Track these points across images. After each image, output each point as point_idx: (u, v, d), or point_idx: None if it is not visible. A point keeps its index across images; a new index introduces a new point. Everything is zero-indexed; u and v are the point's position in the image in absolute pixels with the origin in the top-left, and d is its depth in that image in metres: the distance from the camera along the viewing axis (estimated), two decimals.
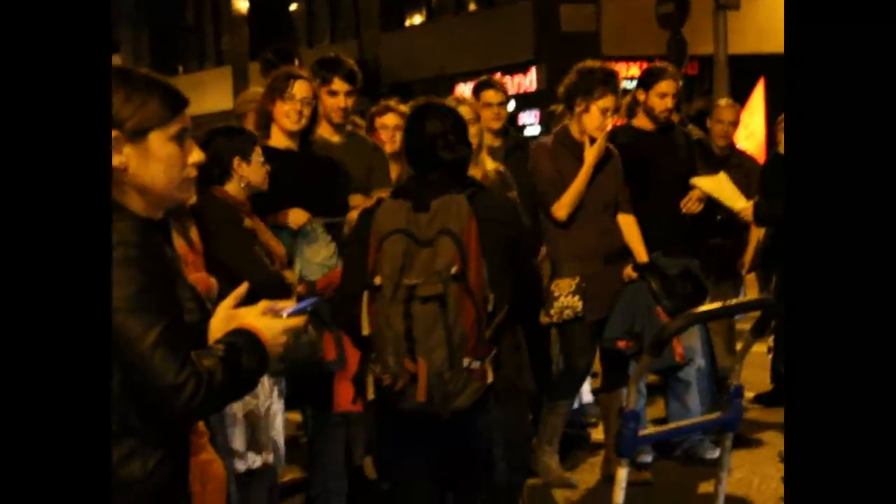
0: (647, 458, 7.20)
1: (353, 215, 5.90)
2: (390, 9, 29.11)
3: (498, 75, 21.82)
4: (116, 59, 32.39)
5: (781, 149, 7.06)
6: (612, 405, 6.76)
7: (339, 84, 6.21)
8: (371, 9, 29.26)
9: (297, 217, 5.62)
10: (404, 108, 7.00)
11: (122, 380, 2.46)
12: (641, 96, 7.08)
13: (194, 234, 4.97)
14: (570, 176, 6.46)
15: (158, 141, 2.62)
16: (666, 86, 6.98)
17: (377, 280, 4.00)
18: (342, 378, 5.73)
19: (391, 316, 3.97)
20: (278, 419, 5.03)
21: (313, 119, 5.87)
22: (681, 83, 7.21)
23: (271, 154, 5.86)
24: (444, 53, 25.55)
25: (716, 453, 6.78)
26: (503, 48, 24.00)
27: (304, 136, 5.88)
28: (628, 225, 6.65)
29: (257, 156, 5.26)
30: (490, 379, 4.09)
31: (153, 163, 2.61)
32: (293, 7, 32.94)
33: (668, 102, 7.02)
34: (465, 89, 25.68)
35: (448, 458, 4.18)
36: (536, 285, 4.67)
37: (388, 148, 6.62)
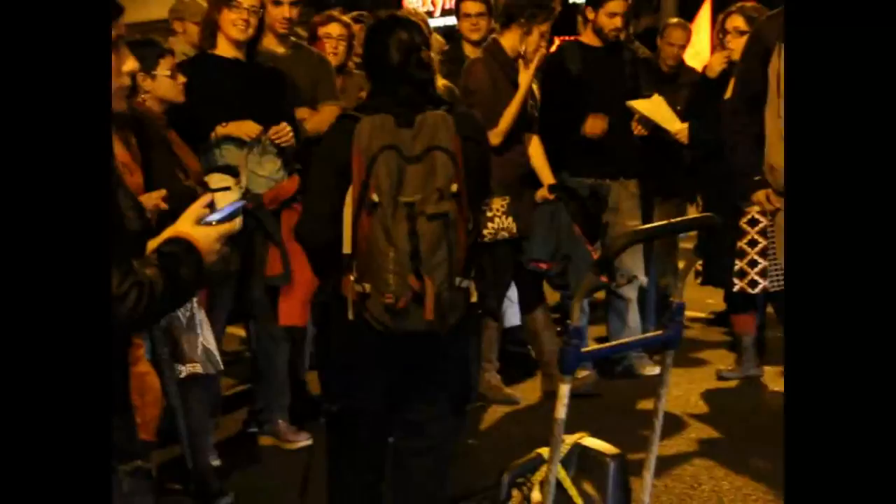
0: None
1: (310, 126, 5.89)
2: None
3: None
4: None
5: (711, 73, 7.07)
6: (537, 324, 6.85)
7: None
8: None
9: (249, 128, 5.56)
10: (347, 17, 6.94)
11: None
12: (591, 14, 7.05)
13: (134, 143, 4.89)
14: (504, 93, 6.46)
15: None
16: (615, 5, 6.93)
17: (374, 197, 3.86)
18: (287, 292, 5.72)
19: (395, 234, 3.84)
20: (205, 328, 4.97)
21: (260, 29, 5.78)
22: (630, 2, 7.17)
23: (218, 63, 5.79)
24: None
25: (655, 370, 6.88)
26: None
27: (251, 46, 5.79)
28: (536, 146, 6.69)
29: (164, 69, 5.13)
30: (474, 298, 4.06)
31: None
32: None
33: (618, 22, 6.99)
34: (414, 1, 25.48)
35: (423, 377, 4.13)
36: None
37: (332, 60, 6.55)
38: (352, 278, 3.94)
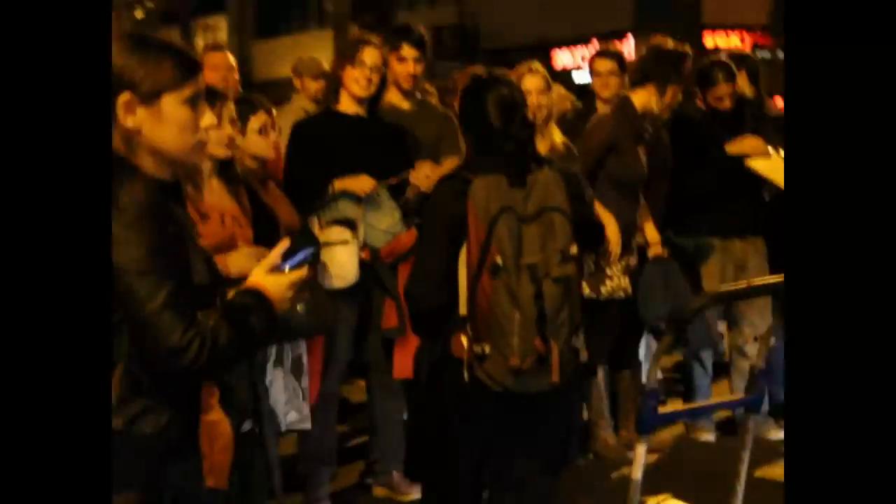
0: (710, 437, 7.16)
1: (422, 183, 5.93)
2: None
3: (595, 42, 21.83)
4: (221, 20, 32.60)
5: None
6: (625, 382, 6.86)
7: (407, 50, 6.20)
8: None
9: (362, 184, 5.63)
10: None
11: (132, 340, 2.53)
12: (697, 95, 7.07)
13: (245, 198, 5.00)
14: (628, 149, 6.44)
15: (171, 104, 2.66)
16: (722, 90, 6.94)
17: (498, 259, 3.85)
18: (402, 344, 5.76)
19: (521, 297, 3.85)
20: (275, 387, 5.02)
21: (382, 86, 5.88)
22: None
23: (340, 119, 5.91)
24: (543, 20, 25.38)
25: (780, 434, 6.71)
26: (602, 15, 23.78)
27: (373, 102, 5.89)
28: (644, 204, 6.64)
29: (253, 125, 5.14)
30: (584, 356, 4.14)
31: (166, 125, 2.66)
32: None
33: (726, 103, 6.96)
34: (562, 56, 25.67)
35: (529, 434, 4.11)
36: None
37: None
38: (466, 339, 3.95)
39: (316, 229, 5.57)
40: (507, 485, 4.14)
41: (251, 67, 33.51)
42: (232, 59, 6.82)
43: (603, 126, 6.55)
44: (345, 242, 5.58)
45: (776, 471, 6.20)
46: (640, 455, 3.36)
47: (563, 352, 3.89)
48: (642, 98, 6.47)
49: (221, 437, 2.76)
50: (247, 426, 5.35)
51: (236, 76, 6.89)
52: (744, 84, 7.31)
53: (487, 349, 3.89)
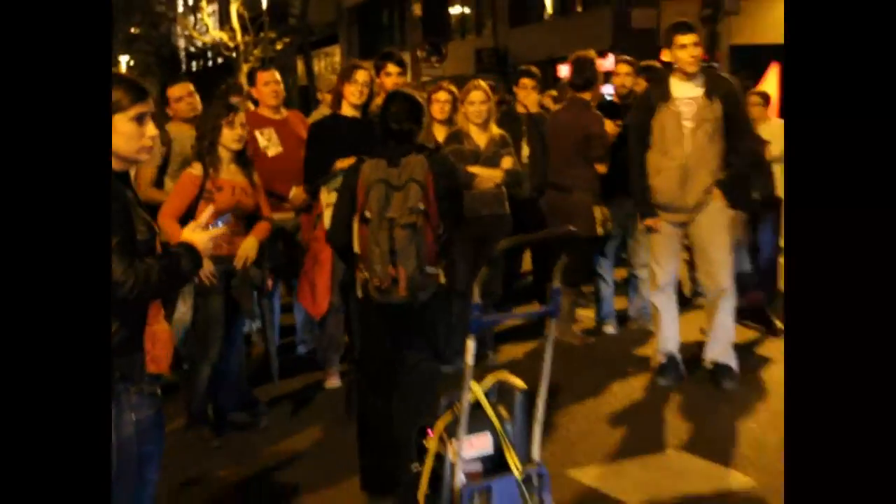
0: (612, 330, 7.20)
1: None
2: (518, 8, 28.65)
3: (612, 56, 21.62)
4: (336, 48, 31.89)
5: None
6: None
7: (391, 68, 6.27)
8: (503, 9, 28.90)
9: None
10: (453, 87, 7.01)
11: None
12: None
13: (255, 176, 5.13)
14: None
15: (121, 121, 2.68)
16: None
17: (367, 214, 4.04)
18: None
19: (379, 238, 4.02)
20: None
21: (370, 96, 5.94)
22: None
23: (341, 120, 5.95)
24: (551, 44, 25.12)
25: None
26: (591, 39, 23.44)
27: (365, 108, 5.94)
28: None
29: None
30: (442, 280, 4.14)
31: (116, 136, 2.68)
32: (452, 10, 32.56)
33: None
34: (563, 68, 25.30)
35: (408, 334, 4.24)
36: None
37: (439, 116, 6.64)
38: (360, 268, 4.12)
39: (324, 194, 5.66)
40: (403, 367, 4.26)
41: None
42: (277, 75, 6.76)
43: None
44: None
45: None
46: (470, 346, 3.40)
47: (413, 276, 4.00)
48: None
49: (160, 340, 2.82)
50: (255, 326, 5.50)
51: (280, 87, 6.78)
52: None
53: (367, 274, 4.08)
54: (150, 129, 2.75)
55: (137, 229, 2.69)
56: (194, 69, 51.28)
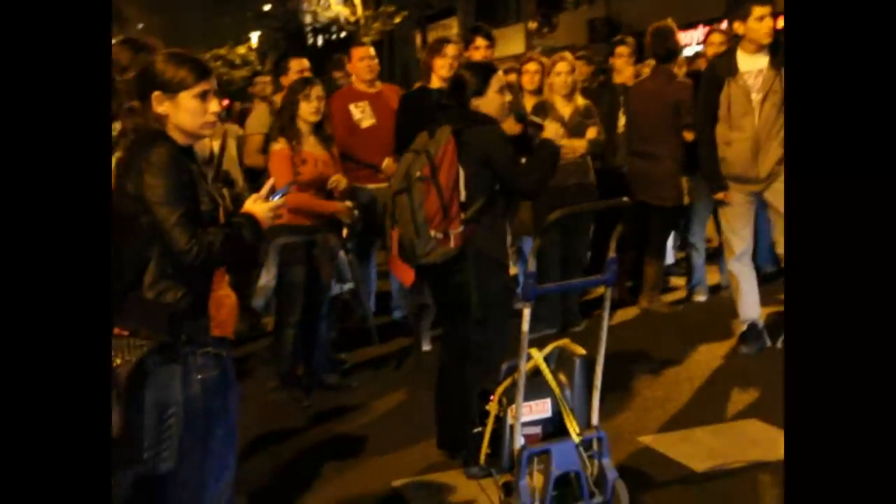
0: (703, 298, 7.08)
1: None
2: None
3: (701, 27, 20.99)
4: (453, 20, 31.89)
5: None
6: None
7: (479, 41, 6.30)
8: None
9: None
10: (545, 59, 6.99)
11: (160, 244, 2.76)
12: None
13: (334, 148, 5.25)
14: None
15: (186, 98, 2.82)
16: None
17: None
18: None
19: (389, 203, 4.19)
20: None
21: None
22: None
23: (429, 92, 6.03)
24: (664, 11, 24.51)
25: None
26: (705, 7, 22.80)
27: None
28: None
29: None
30: (453, 245, 4.05)
31: (182, 112, 2.83)
32: None
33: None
34: (682, 37, 24.76)
35: (439, 291, 4.39)
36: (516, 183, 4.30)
37: (528, 86, 6.64)
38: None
39: None
40: (453, 329, 4.36)
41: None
42: (372, 50, 6.84)
43: None
44: None
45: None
46: (526, 314, 3.44)
47: (411, 239, 4.05)
48: None
49: (225, 307, 2.93)
50: (346, 292, 5.62)
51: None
52: None
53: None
54: (213, 105, 2.86)
55: (201, 200, 2.82)
56: (319, 44, 51.95)
